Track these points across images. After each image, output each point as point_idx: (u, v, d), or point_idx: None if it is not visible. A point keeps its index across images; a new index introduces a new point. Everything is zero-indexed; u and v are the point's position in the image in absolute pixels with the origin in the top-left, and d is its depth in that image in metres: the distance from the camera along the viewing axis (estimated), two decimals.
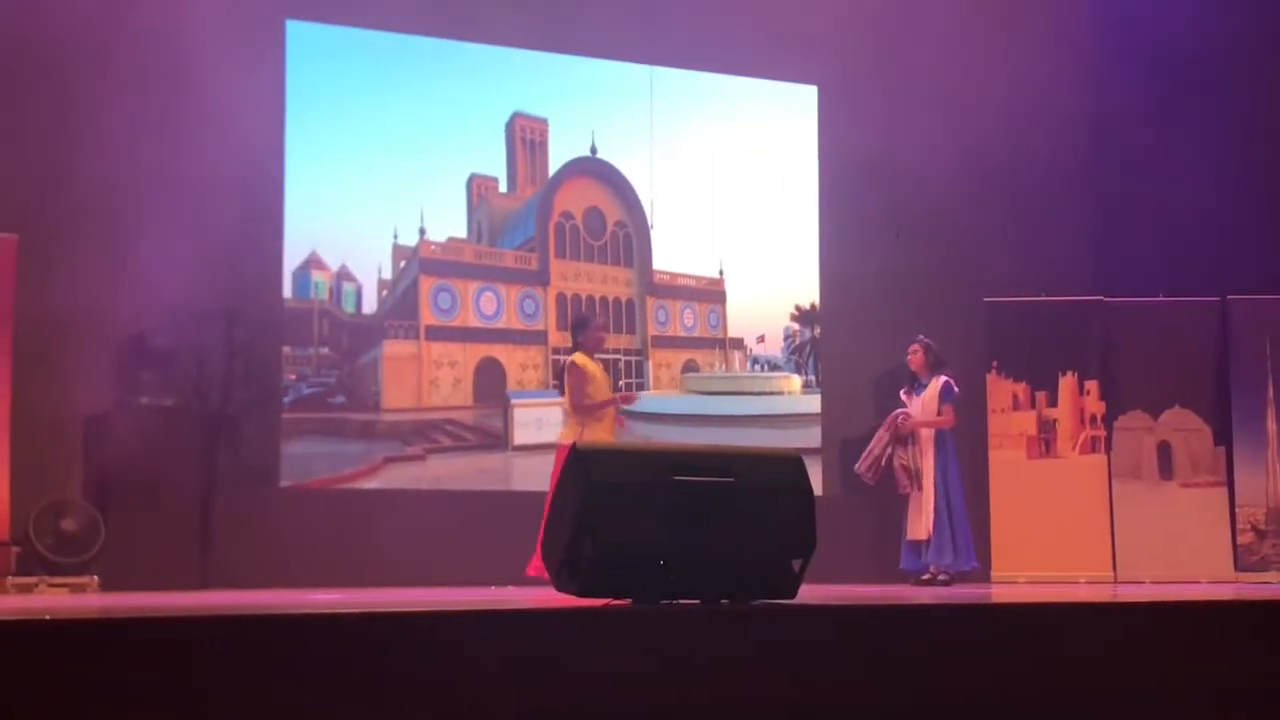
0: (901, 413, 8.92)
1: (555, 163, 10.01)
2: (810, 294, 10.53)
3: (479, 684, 3.38)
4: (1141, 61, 10.29)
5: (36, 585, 7.89)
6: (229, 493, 8.73)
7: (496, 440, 9.63)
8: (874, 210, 10.28)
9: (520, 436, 9.63)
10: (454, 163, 9.70)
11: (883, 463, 8.89)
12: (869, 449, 8.94)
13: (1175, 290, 9.98)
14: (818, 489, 5.48)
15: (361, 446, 9.24)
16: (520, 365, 9.74)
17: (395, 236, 9.43)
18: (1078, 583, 9.37)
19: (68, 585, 7.95)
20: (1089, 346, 10.07)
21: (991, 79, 9.97)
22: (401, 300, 9.43)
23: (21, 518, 8.03)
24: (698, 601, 4.10)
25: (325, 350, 9.27)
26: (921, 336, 9.08)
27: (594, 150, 10.11)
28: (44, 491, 8.17)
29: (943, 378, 8.90)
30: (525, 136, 9.93)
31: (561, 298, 9.93)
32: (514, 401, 9.65)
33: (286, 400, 9.08)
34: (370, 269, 9.38)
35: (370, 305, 9.37)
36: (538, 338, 9.83)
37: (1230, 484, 9.84)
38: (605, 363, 8.75)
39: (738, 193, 10.39)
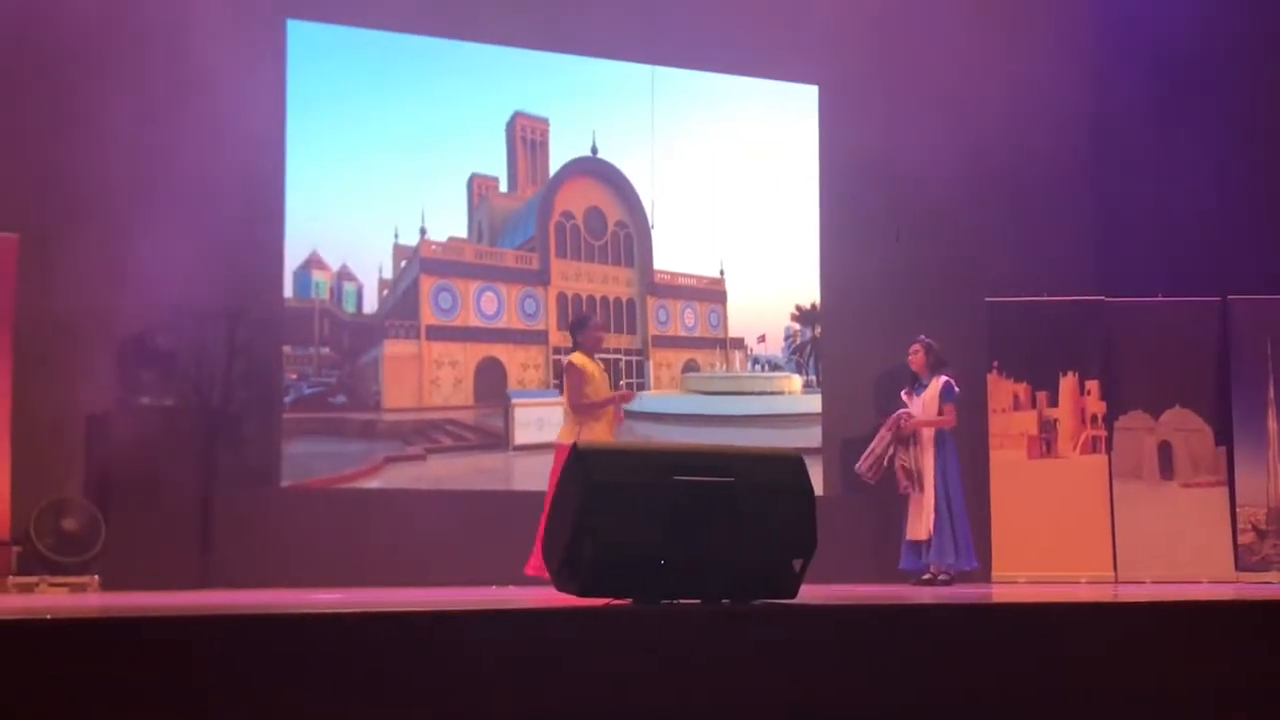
0: (904, 413, 8.92)
1: (556, 162, 10.01)
2: (811, 294, 10.53)
3: (479, 684, 3.38)
4: (1141, 61, 10.29)
5: (37, 585, 7.88)
6: (230, 492, 8.72)
7: (497, 440, 9.63)
8: (874, 210, 10.28)
9: (521, 436, 9.63)
10: (455, 162, 9.70)
11: (884, 462, 8.89)
12: (870, 448, 8.94)
13: (1176, 290, 9.97)
14: (818, 489, 5.47)
15: (362, 446, 9.24)
16: (521, 365, 9.74)
17: (396, 236, 9.43)
18: (1078, 583, 9.36)
19: (68, 585, 7.94)
20: (1090, 346, 10.07)
21: (991, 79, 9.97)
22: (402, 300, 9.43)
23: (22, 517, 8.02)
24: (698, 601, 4.10)
25: (326, 350, 9.28)
26: (922, 336, 9.09)
27: (595, 150, 10.10)
28: (45, 491, 8.16)
29: (943, 378, 8.90)
30: (526, 136, 9.93)
31: (562, 297, 9.92)
32: (515, 401, 9.65)
33: (287, 400, 9.08)
34: (371, 269, 9.39)
35: (371, 305, 9.37)
36: (538, 337, 9.83)
37: (1231, 484, 9.84)
38: (605, 362, 8.75)
39: (738, 193, 10.38)
